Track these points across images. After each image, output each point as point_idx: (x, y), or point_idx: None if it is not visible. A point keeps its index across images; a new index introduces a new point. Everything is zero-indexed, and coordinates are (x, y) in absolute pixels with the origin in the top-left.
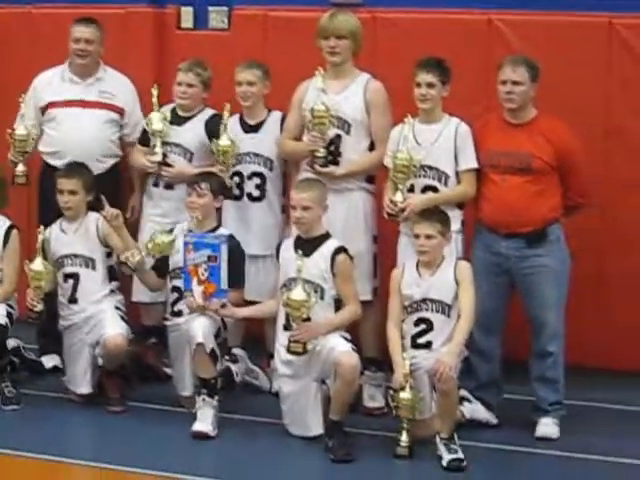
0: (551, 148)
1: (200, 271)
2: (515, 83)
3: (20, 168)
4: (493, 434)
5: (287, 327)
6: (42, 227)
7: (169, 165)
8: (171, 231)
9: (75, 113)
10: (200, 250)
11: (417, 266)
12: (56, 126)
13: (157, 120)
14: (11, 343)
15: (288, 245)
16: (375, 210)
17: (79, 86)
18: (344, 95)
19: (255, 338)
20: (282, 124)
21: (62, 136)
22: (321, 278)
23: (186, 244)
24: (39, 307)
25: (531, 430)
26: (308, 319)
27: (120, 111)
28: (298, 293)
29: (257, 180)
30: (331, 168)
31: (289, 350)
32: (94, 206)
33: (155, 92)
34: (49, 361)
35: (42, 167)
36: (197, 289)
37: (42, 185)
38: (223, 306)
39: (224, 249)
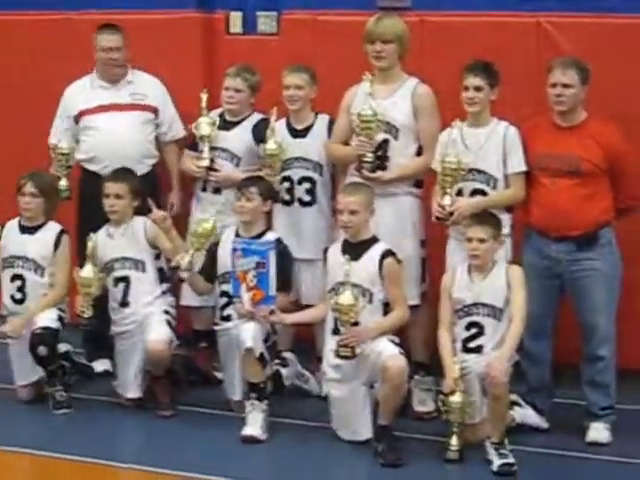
0: (601, 151)
1: (249, 277)
2: (565, 86)
3: (63, 183)
4: (544, 439)
5: (336, 331)
6: (92, 234)
7: (216, 170)
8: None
9: (109, 117)
10: (248, 256)
11: (469, 270)
12: (92, 132)
13: (205, 125)
14: (62, 347)
15: (335, 249)
16: (423, 214)
17: (109, 91)
18: (392, 100)
19: (305, 342)
20: (329, 128)
21: (99, 141)
22: (369, 282)
23: (234, 250)
24: (88, 313)
25: (582, 435)
26: (356, 323)
27: (154, 110)
28: (346, 297)
29: (307, 185)
30: (379, 173)
31: (338, 354)
32: (141, 210)
33: (204, 97)
34: (99, 365)
35: (81, 174)
36: (246, 295)
37: (82, 192)
38: (272, 312)
39: (272, 255)
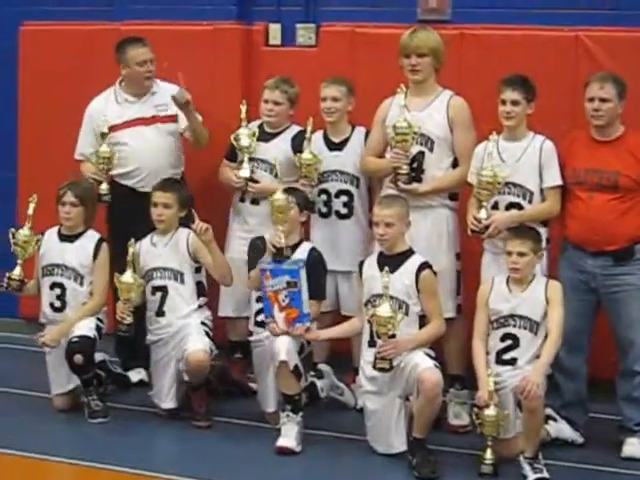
0: (639, 165)
1: (280, 297)
2: (602, 100)
3: (104, 186)
4: (579, 453)
5: (372, 344)
6: (133, 240)
7: (256, 181)
8: None
9: (139, 131)
10: (278, 276)
11: (507, 281)
12: (122, 147)
13: (245, 136)
14: (98, 356)
15: (371, 262)
16: (458, 227)
17: (136, 105)
18: (427, 112)
19: (341, 354)
20: (366, 141)
21: (132, 156)
22: (406, 294)
23: (263, 271)
24: (129, 320)
25: (617, 450)
26: (393, 335)
27: (174, 119)
28: (385, 309)
29: (344, 198)
30: (414, 185)
31: (375, 367)
32: (185, 222)
33: (243, 108)
34: (135, 375)
35: (119, 190)
36: (279, 315)
37: (112, 206)
38: (307, 330)
39: (303, 273)
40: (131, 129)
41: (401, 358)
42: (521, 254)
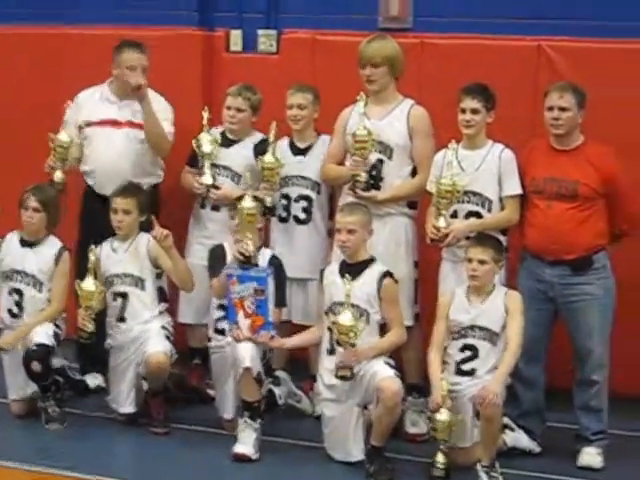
0: (597, 174)
1: (246, 304)
2: (562, 109)
3: (58, 175)
4: (535, 462)
5: (331, 351)
6: (93, 246)
7: (218, 187)
8: None
9: (107, 132)
10: (245, 283)
11: (467, 292)
12: (89, 145)
13: (207, 142)
14: (56, 363)
15: (333, 269)
16: (416, 236)
17: (114, 106)
18: (387, 120)
19: (298, 361)
20: None
21: (94, 155)
22: (367, 302)
23: (230, 276)
24: (90, 327)
25: (574, 459)
26: (354, 344)
27: None
28: (347, 318)
29: (304, 203)
30: (372, 193)
31: (337, 375)
32: (144, 227)
33: (205, 114)
34: (93, 380)
35: (84, 187)
36: (244, 322)
37: (83, 206)
38: (272, 338)
39: (271, 282)
40: (101, 128)
41: (361, 366)
42: (481, 262)
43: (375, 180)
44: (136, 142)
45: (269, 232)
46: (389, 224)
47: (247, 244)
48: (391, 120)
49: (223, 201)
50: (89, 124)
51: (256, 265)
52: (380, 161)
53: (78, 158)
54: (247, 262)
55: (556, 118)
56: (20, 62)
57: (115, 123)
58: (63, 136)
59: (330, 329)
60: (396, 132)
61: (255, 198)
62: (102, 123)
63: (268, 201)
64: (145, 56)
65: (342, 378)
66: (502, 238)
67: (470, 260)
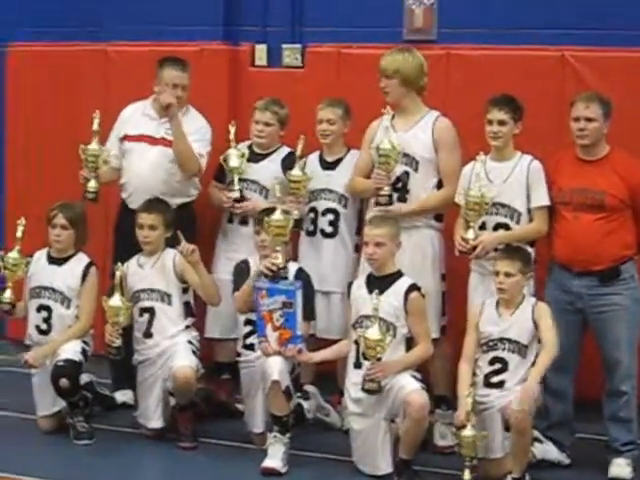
0: (624, 185)
1: (275, 317)
2: (588, 120)
3: (92, 184)
4: (565, 474)
5: (357, 365)
6: (119, 263)
7: (245, 200)
8: None
9: (142, 147)
10: (274, 296)
11: (497, 304)
12: (126, 157)
13: (234, 157)
14: (84, 378)
15: (360, 283)
16: (443, 248)
17: (153, 122)
18: (412, 132)
19: (327, 375)
20: None
21: (127, 169)
22: (393, 316)
23: (259, 289)
24: (117, 343)
25: (604, 470)
26: (380, 358)
27: None
28: (374, 332)
29: (331, 216)
30: (397, 205)
31: (363, 388)
32: (171, 242)
33: (232, 129)
34: (121, 397)
35: (120, 203)
36: (272, 335)
37: (117, 222)
38: (299, 351)
39: (299, 295)
40: (137, 143)
41: (387, 380)
42: (508, 274)
43: (401, 193)
44: (168, 160)
45: (297, 245)
46: (415, 237)
47: (276, 257)
48: (416, 132)
49: (251, 213)
50: (128, 138)
51: (285, 278)
52: (406, 173)
53: (117, 169)
54: (276, 275)
55: (582, 129)
56: (48, 80)
57: (151, 139)
58: (93, 146)
59: (357, 343)
60: (421, 144)
61: (284, 212)
62: (139, 138)
63: (295, 214)
64: (186, 74)
65: (369, 392)
66: (530, 250)
67: (497, 273)
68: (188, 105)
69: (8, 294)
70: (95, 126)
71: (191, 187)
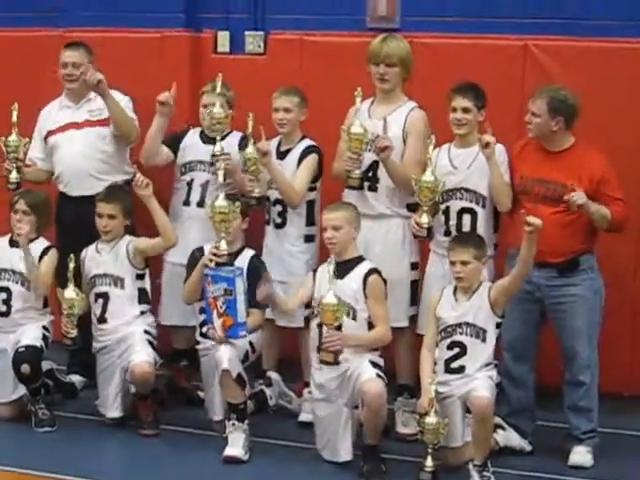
0: (586, 178)
1: (219, 304)
2: (533, 114)
3: (13, 175)
4: (527, 461)
5: (320, 349)
6: (72, 255)
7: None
8: None
9: (67, 136)
10: (218, 283)
11: (454, 291)
12: (54, 152)
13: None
14: (45, 365)
15: (323, 268)
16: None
17: (70, 110)
18: (387, 120)
19: (291, 362)
20: (303, 154)
21: (58, 160)
22: (353, 299)
23: (205, 276)
24: (73, 333)
25: (565, 458)
26: (339, 328)
27: (107, 122)
28: (330, 297)
29: (279, 207)
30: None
31: (320, 360)
32: (130, 230)
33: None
34: (79, 382)
35: (58, 195)
36: (217, 321)
37: (58, 211)
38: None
39: (239, 282)
40: (63, 133)
41: (348, 365)
42: (464, 262)
43: (371, 182)
44: (96, 140)
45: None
46: (384, 225)
47: (219, 243)
48: (390, 121)
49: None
50: (51, 133)
51: (230, 265)
52: (376, 162)
53: (44, 170)
54: (222, 262)
55: (527, 122)
56: (5, 64)
57: (75, 125)
58: (13, 137)
59: (320, 327)
60: (393, 134)
61: (236, 198)
62: (63, 128)
63: (256, 192)
64: (79, 53)
65: (325, 362)
66: (494, 235)
67: (453, 263)
68: None
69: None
70: (14, 118)
71: (125, 164)
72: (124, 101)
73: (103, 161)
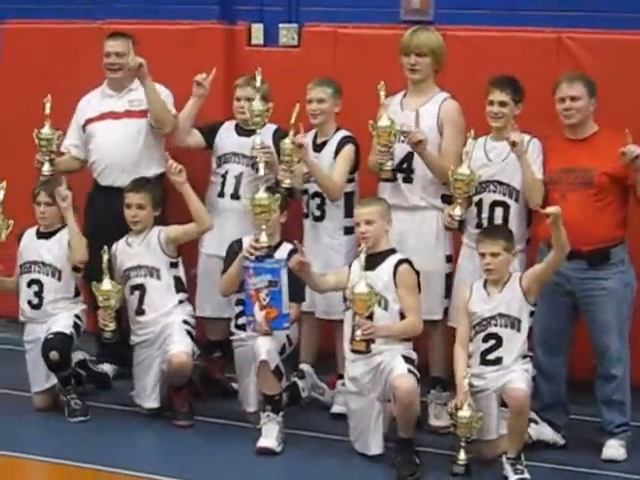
0: (613, 162)
1: (261, 296)
2: (572, 99)
3: (46, 167)
4: (560, 455)
5: (353, 341)
6: (105, 247)
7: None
8: None
9: (105, 126)
10: (260, 275)
11: (484, 284)
12: (92, 140)
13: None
14: (78, 356)
15: (357, 262)
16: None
17: (112, 99)
18: (419, 112)
19: (326, 355)
20: (340, 145)
21: (95, 148)
22: (384, 289)
23: (246, 268)
24: (111, 327)
25: (598, 451)
26: (370, 317)
27: (146, 114)
28: (362, 286)
29: (318, 200)
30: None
31: (352, 349)
32: (159, 221)
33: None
34: (112, 370)
35: (92, 183)
36: (259, 314)
37: (89, 199)
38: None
39: (284, 273)
40: (102, 122)
41: (381, 359)
42: (493, 254)
43: (406, 173)
44: (136, 131)
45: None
46: (419, 217)
47: (261, 236)
48: (422, 112)
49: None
50: (89, 121)
51: (270, 257)
52: (411, 154)
53: (77, 158)
54: (262, 254)
55: (567, 109)
56: (43, 57)
57: (114, 115)
58: (46, 130)
59: (351, 316)
60: (426, 125)
61: (270, 189)
62: (102, 117)
63: (287, 183)
64: (121, 43)
65: (356, 351)
66: (525, 230)
67: (483, 255)
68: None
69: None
70: (47, 110)
71: (159, 158)
72: (164, 93)
73: (138, 152)
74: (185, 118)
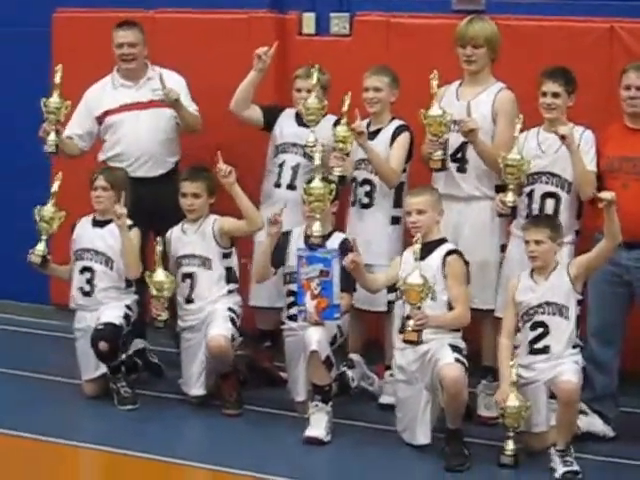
0: None
1: (313, 286)
2: (639, 88)
3: (51, 137)
4: (609, 447)
5: (402, 330)
6: (159, 238)
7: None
8: None
9: (133, 116)
10: (313, 264)
11: (531, 274)
12: (115, 131)
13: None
14: (137, 344)
15: (409, 249)
16: (504, 219)
17: (132, 90)
18: (474, 102)
19: (374, 345)
20: (395, 134)
21: (122, 140)
22: (433, 280)
23: (299, 258)
24: (164, 316)
25: None
26: (420, 306)
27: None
28: (415, 277)
29: (367, 187)
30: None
31: (404, 340)
32: (215, 209)
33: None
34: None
35: None
36: (310, 303)
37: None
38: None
39: (336, 263)
40: (126, 113)
41: (428, 347)
42: (538, 242)
43: (460, 163)
44: (163, 120)
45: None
46: (474, 207)
47: (314, 225)
48: (477, 102)
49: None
50: (110, 112)
51: (322, 246)
52: (465, 144)
53: (80, 148)
54: (315, 244)
55: (633, 97)
56: (94, 46)
57: (140, 104)
58: (54, 99)
59: (404, 306)
60: (480, 115)
61: (325, 179)
62: (127, 107)
63: (338, 171)
64: (132, 32)
65: (409, 342)
66: (575, 222)
67: (527, 242)
68: (153, 65)
69: (41, 247)
70: (57, 79)
71: (176, 147)
72: (179, 84)
73: (166, 143)
74: (241, 90)
